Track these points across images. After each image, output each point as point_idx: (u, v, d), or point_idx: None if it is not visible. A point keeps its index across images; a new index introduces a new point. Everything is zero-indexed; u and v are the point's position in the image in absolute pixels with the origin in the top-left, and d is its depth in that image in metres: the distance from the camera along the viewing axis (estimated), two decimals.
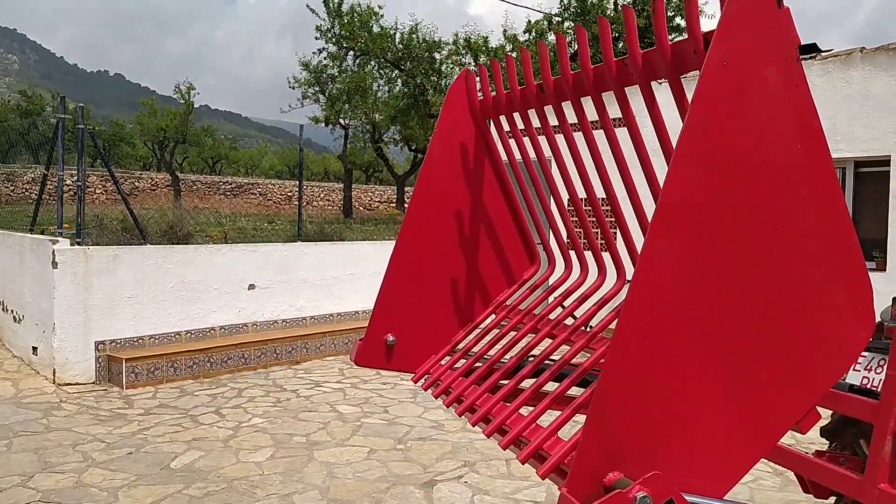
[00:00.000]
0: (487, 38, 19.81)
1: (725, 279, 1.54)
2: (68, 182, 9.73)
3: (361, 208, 38.15)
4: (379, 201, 40.43)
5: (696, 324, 1.52)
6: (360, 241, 10.92)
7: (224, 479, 5.21)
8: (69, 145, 10.13)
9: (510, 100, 2.62)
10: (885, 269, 7.39)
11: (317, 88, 20.88)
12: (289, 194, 38.52)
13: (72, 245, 7.75)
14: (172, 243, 9.25)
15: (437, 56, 19.55)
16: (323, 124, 21.54)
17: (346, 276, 10.01)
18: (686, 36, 1.74)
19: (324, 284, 9.82)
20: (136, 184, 33.15)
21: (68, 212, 9.23)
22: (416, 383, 2.75)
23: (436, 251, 2.98)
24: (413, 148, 32.31)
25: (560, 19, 18.10)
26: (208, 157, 44.46)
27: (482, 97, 2.78)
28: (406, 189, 38.67)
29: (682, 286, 1.51)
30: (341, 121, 22.34)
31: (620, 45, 18.11)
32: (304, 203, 37.34)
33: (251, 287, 9.06)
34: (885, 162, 7.54)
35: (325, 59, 20.37)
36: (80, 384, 7.65)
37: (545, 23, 18.07)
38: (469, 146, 2.93)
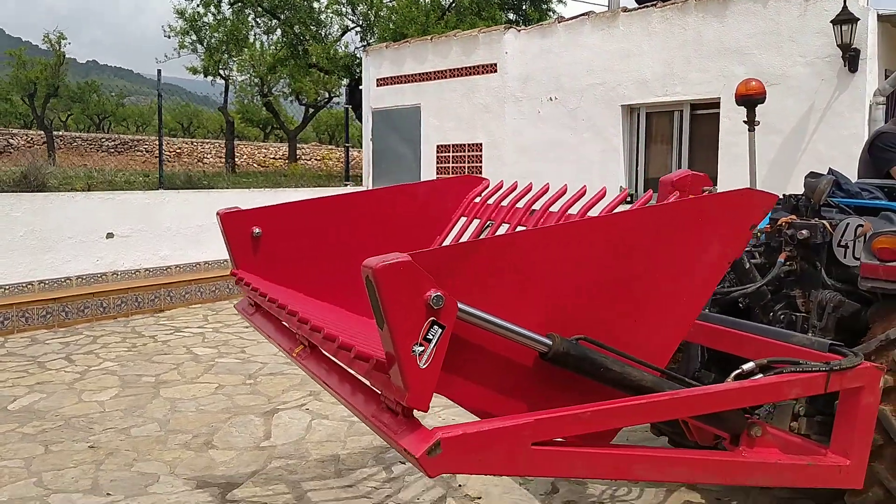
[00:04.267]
0: None
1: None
2: None
3: (256, 165, 37.34)
4: (274, 157, 39.70)
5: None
6: (226, 188, 10.83)
7: (62, 417, 5.22)
8: None
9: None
10: None
11: (194, 38, 20.24)
12: (178, 150, 37.35)
13: None
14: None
15: (316, 5, 19.27)
16: (202, 75, 20.95)
17: (213, 225, 9.85)
18: None
19: (189, 233, 9.72)
20: (10, 141, 31.36)
21: None
22: (233, 275, 3.21)
23: (356, 235, 3.47)
24: (303, 102, 31.78)
25: None
26: (93, 113, 42.46)
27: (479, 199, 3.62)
28: (299, 145, 38.00)
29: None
30: (221, 72, 21.78)
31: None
32: (196, 160, 36.24)
33: (109, 236, 8.90)
34: (716, 104, 8.06)
35: (198, 5, 19.72)
36: None
37: None
38: (441, 213, 3.68)
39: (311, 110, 31.44)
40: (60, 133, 34.23)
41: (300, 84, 29.55)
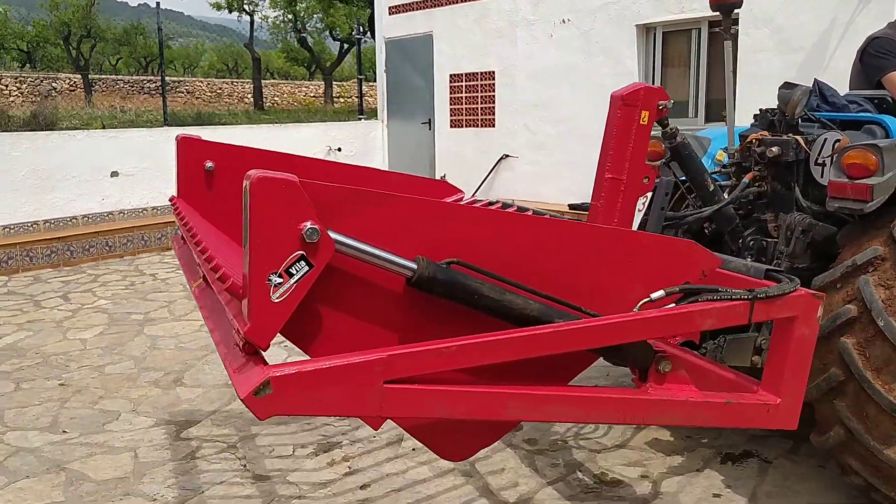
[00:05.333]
0: None
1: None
2: None
3: (295, 103, 37.23)
4: (314, 95, 39.61)
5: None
6: (236, 125, 10.66)
7: (42, 355, 5.20)
8: None
9: None
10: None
11: None
12: (218, 91, 37.42)
13: None
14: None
15: None
16: (226, 11, 20.63)
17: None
18: None
19: None
20: (54, 85, 31.68)
21: None
22: (170, 201, 3.11)
23: None
24: (337, 37, 31.32)
25: None
26: (140, 56, 42.73)
27: None
28: (340, 82, 37.65)
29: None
30: (245, 7, 21.42)
31: None
32: (236, 100, 36.32)
33: (114, 174, 8.83)
34: (734, 21, 7.51)
35: None
36: None
37: None
38: None
39: (345, 45, 31.05)
40: (103, 76, 34.52)
41: (332, 19, 28.95)
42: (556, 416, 1.93)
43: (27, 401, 4.40)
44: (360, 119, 12.08)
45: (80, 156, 8.52)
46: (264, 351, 1.71)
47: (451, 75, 10.53)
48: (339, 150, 11.00)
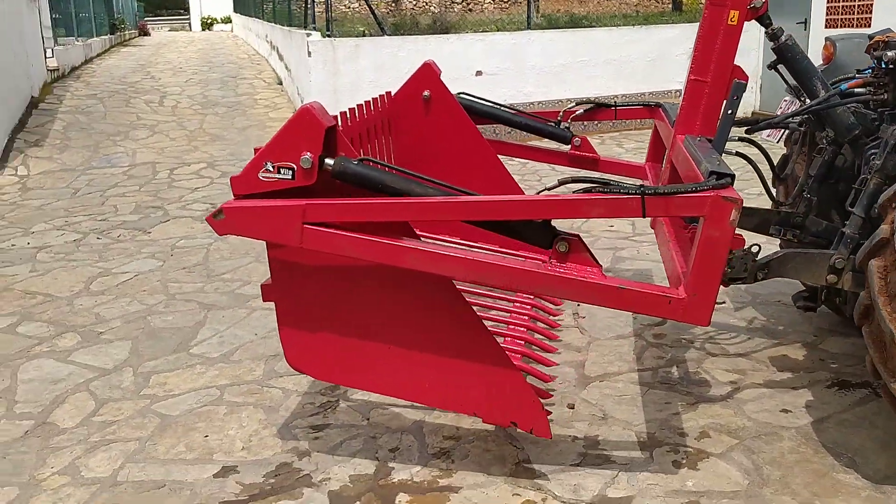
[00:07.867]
0: None
1: None
2: None
3: None
4: None
5: None
6: (591, 28, 11.06)
7: None
8: None
9: None
10: None
11: None
12: None
13: (322, 37, 9.49)
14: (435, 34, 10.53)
15: None
16: None
17: (577, 63, 10.41)
18: None
19: (553, 71, 10.37)
20: None
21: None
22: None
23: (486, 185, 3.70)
24: None
25: None
26: None
27: None
28: None
29: None
30: None
31: None
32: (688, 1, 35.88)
33: (478, 73, 10.05)
34: None
35: None
36: None
37: None
38: None
39: None
40: None
41: None
42: (445, 271, 2.37)
43: None
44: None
45: (451, 57, 9.84)
46: (234, 197, 2.47)
47: None
48: None
